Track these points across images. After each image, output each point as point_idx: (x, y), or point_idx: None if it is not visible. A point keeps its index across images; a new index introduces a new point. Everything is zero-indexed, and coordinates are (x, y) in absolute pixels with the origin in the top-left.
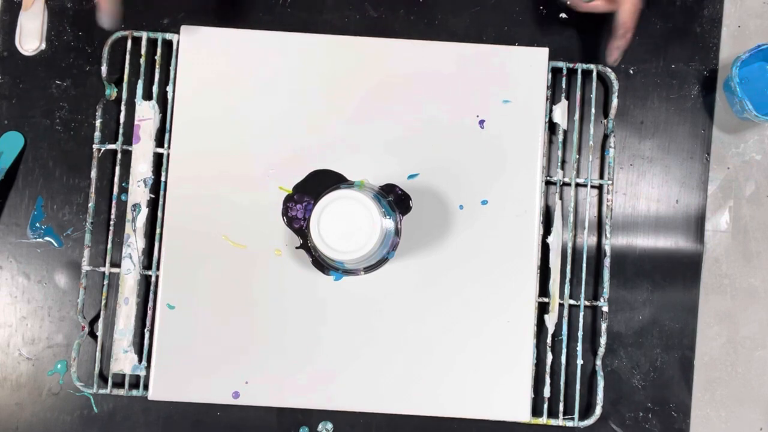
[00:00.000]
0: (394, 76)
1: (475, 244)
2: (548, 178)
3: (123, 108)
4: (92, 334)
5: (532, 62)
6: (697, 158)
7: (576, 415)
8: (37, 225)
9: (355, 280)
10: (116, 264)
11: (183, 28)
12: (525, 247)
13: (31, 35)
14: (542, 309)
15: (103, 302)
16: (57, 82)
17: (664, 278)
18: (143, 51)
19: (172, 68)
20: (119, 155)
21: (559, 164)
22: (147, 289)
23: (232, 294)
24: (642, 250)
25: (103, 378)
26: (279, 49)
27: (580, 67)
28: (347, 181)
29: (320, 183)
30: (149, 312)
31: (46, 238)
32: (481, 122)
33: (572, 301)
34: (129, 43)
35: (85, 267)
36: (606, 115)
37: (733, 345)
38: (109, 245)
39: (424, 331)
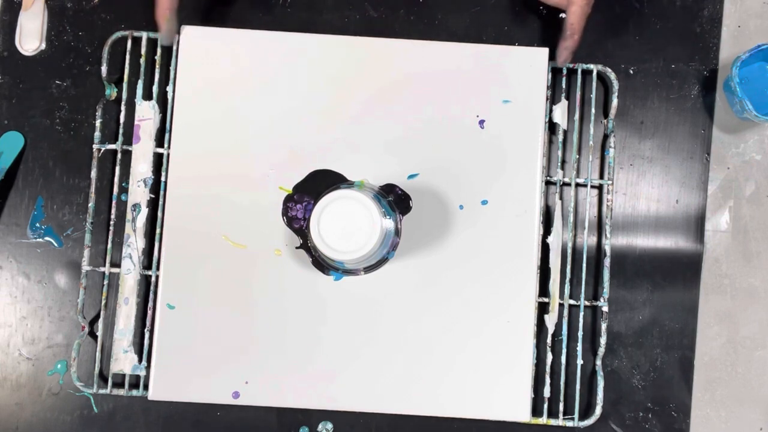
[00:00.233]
0: (394, 76)
1: (475, 244)
2: (548, 178)
3: (123, 108)
4: (92, 334)
5: (532, 62)
6: (697, 158)
7: (576, 415)
8: (37, 225)
9: (355, 280)
10: (116, 264)
11: (183, 28)
12: (525, 247)
13: (31, 35)
14: (542, 309)
15: (103, 302)
16: (57, 82)
17: (664, 278)
18: (143, 51)
19: (172, 68)
20: (119, 155)
21: (559, 164)
22: (147, 289)
23: (232, 294)
24: (642, 250)
25: (103, 378)
26: (279, 49)
27: (580, 67)
28: (347, 181)
29: (320, 183)
30: (149, 312)
31: (46, 238)
32: (481, 122)
33: (572, 301)
34: (129, 43)
35: (85, 267)
36: (606, 115)
37: (733, 345)
38: (109, 245)
39: (424, 331)
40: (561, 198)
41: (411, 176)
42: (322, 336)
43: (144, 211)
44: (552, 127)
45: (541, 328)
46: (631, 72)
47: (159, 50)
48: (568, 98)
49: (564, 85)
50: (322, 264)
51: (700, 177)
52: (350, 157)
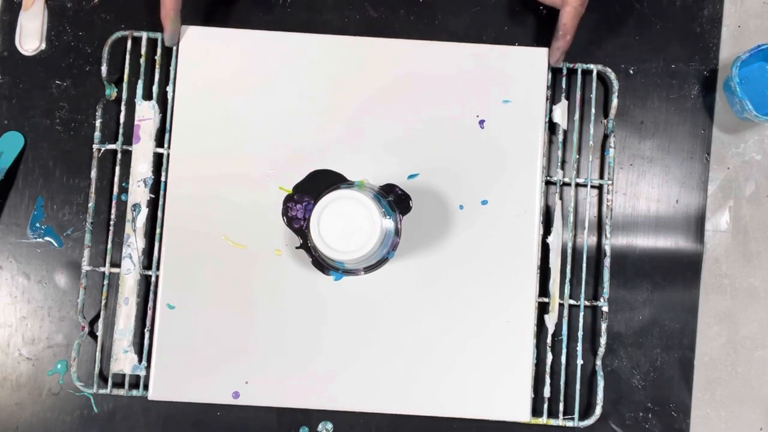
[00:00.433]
0: (394, 76)
1: (475, 244)
2: (548, 178)
3: (123, 108)
4: (92, 334)
5: (532, 62)
6: (697, 158)
7: (576, 415)
8: (37, 225)
9: (355, 280)
10: (116, 264)
11: (183, 28)
12: (525, 247)
13: (31, 35)
14: (542, 309)
15: (103, 302)
16: (57, 82)
17: (664, 278)
18: (143, 51)
19: (172, 68)
20: (119, 155)
21: (559, 164)
22: (147, 289)
23: (232, 294)
24: (642, 250)
25: (103, 378)
26: (279, 49)
27: (580, 67)
28: (347, 181)
29: (320, 183)
30: (149, 312)
31: (46, 238)
32: (481, 122)
33: (572, 301)
34: (129, 43)
35: (85, 267)
36: (606, 115)
37: (733, 345)
38: (109, 245)
39: (424, 331)
40: (561, 198)
41: (411, 176)
42: (322, 336)
43: (144, 211)
44: (552, 127)
45: (541, 328)
46: (631, 72)
47: (159, 50)
48: (568, 98)
49: (564, 85)
50: (322, 264)
51: (700, 177)
52: (350, 157)
